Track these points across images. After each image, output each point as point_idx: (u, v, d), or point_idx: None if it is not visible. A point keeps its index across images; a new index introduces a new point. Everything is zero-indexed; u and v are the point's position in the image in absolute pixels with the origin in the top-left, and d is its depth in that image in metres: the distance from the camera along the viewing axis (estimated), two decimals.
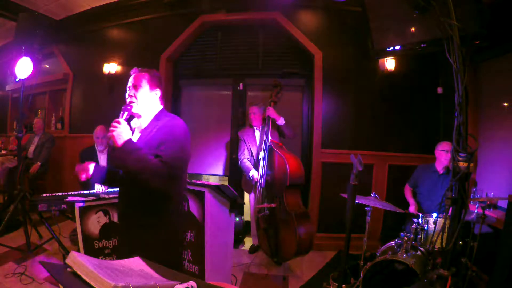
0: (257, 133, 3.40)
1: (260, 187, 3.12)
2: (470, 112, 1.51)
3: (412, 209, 3.01)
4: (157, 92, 1.61)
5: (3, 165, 4.53)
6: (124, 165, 1.43)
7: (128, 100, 1.57)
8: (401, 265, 2.10)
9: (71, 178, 4.66)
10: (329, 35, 3.84)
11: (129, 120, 1.55)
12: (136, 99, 1.55)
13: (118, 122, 1.43)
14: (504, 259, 2.07)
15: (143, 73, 1.60)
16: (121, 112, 1.51)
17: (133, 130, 1.61)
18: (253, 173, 3.23)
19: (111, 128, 1.41)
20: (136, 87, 1.56)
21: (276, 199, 3.02)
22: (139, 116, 1.61)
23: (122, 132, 1.41)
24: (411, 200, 3.09)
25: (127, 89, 1.59)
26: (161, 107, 1.64)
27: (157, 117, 1.59)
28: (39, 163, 4.27)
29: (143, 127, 1.59)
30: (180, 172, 1.53)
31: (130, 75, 1.62)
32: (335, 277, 2.68)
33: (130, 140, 1.42)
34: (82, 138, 4.53)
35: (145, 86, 1.57)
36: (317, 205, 3.74)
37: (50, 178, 4.76)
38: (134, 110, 1.56)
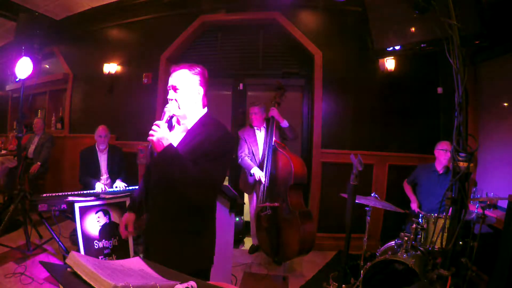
0: (258, 133, 3.40)
1: (264, 186, 3.12)
2: (470, 112, 1.51)
3: (414, 206, 3.00)
4: (199, 91, 1.46)
5: (3, 165, 4.54)
6: (163, 172, 1.35)
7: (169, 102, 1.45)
8: (401, 265, 2.10)
9: (71, 178, 4.67)
10: (329, 35, 3.84)
11: (169, 120, 1.45)
12: (177, 101, 1.42)
13: (158, 126, 1.30)
14: (504, 259, 2.07)
15: (183, 71, 1.44)
16: (162, 114, 1.38)
17: (172, 128, 1.53)
18: (254, 170, 3.21)
19: (151, 132, 1.28)
20: (175, 87, 1.42)
21: (279, 198, 3.02)
22: (184, 117, 1.47)
23: (163, 137, 1.29)
24: (412, 197, 3.09)
25: (168, 89, 1.47)
26: (205, 109, 1.50)
27: (202, 121, 1.46)
28: (39, 163, 4.27)
29: (188, 127, 1.47)
30: (221, 183, 1.49)
31: (170, 74, 1.48)
32: (335, 277, 2.68)
33: (171, 145, 1.30)
34: (82, 138, 4.53)
35: (185, 86, 1.42)
36: (317, 205, 3.74)
37: (50, 178, 4.76)
38: (175, 112, 1.43)
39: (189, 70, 1.44)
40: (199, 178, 1.29)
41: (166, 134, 1.31)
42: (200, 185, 1.31)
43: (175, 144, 1.37)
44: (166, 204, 1.43)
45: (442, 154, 2.94)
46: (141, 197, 1.61)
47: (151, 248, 1.50)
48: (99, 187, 3.28)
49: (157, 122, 1.31)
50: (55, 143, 4.59)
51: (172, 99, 1.42)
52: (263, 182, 3.13)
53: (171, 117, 1.45)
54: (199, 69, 1.46)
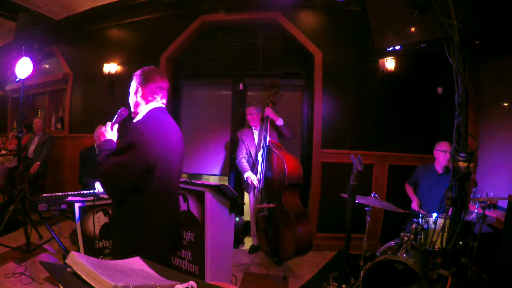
0: (256, 134, 3.40)
1: (259, 187, 3.12)
2: (470, 112, 1.51)
3: (414, 205, 3.01)
4: (139, 93, 1.55)
5: (3, 165, 4.54)
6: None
7: None
8: (401, 265, 2.10)
9: (71, 178, 4.67)
10: (329, 35, 3.84)
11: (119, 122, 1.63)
12: (130, 102, 1.60)
13: (106, 125, 1.56)
14: (504, 259, 2.07)
15: (134, 75, 1.60)
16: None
17: None
18: (248, 174, 3.24)
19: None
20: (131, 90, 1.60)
21: (275, 199, 3.02)
22: (135, 117, 1.62)
23: (103, 133, 1.53)
24: (413, 197, 3.10)
25: None
26: (151, 106, 1.56)
27: (138, 120, 1.56)
28: (38, 163, 4.27)
29: None
30: (130, 176, 1.38)
31: None
32: (335, 277, 2.68)
33: (106, 141, 1.50)
34: (82, 138, 4.54)
35: (132, 88, 1.58)
36: (317, 205, 3.74)
37: (50, 178, 4.76)
38: (130, 113, 1.62)
39: (136, 74, 1.59)
40: (108, 172, 1.36)
41: (109, 131, 1.54)
42: (108, 180, 1.38)
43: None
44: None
45: (441, 155, 2.94)
46: None
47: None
48: (98, 185, 3.27)
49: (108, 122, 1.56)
50: (55, 143, 4.59)
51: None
52: (256, 185, 3.15)
53: (121, 119, 1.62)
54: (141, 71, 1.59)
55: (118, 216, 1.48)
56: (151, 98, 1.55)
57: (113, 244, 1.52)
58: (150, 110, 1.54)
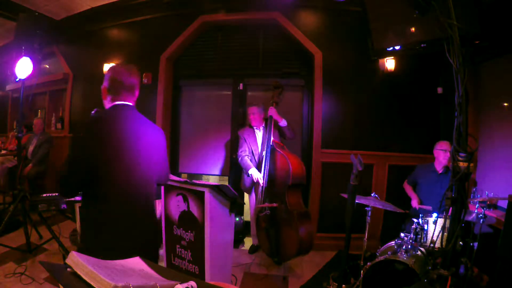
0: (258, 133, 3.40)
1: (262, 187, 3.12)
2: (470, 112, 1.51)
3: (414, 203, 2.97)
4: (103, 90, 1.56)
5: (3, 165, 4.54)
6: None
7: None
8: (401, 265, 2.10)
9: None
10: (329, 35, 3.84)
11: None
12: None
13: None
14: (504, 259, 2.07)
15: None
16: None
17: None
18: (252, 171, 3.22)
19: None
20: None
21: (277, 199, 3.02)
22: None
23: None
24: (412, 195, 3.08)
25: None
26: (111, 104, 1.55)
27: None
28: (30, 165, 4.28)
29: None
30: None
31: None
32: (335, 277, 2.68)
33: None
34: None
35: None
36: (317, 205, 3.74)
37: (50, 178, 4.76)
38: None
39: None
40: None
41: None
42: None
43: None
44: None
45: (441, 154, 2.94)
46: None
47: None
48: None
49: None
50: (53, 143, 4.59)
51: None
52: (261, 184, 3.12)
53: None
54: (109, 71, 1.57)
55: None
56: (109, 97, 1.54)
57: None
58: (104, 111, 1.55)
